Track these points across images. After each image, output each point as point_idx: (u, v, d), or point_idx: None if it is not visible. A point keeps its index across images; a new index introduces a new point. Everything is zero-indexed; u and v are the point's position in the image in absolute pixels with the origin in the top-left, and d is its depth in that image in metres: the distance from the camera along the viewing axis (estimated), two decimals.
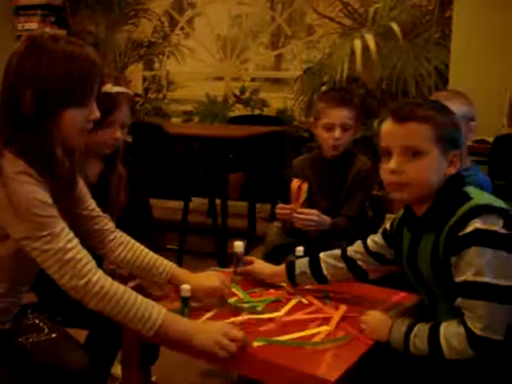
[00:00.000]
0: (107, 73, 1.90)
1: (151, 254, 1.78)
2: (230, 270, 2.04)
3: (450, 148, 1.48)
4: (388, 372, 1.54)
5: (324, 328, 1.61)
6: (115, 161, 2.10)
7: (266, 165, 4.89)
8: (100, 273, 1.46)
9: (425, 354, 1.43)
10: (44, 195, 1.43)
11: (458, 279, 1.41)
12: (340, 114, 2.43)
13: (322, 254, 1.86)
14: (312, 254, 1.90)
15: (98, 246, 1.77)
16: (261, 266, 1.98)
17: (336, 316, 1.68)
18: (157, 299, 1.64)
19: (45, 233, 1.40)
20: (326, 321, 1.66)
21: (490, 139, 3.58)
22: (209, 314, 1.69)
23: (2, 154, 1.41)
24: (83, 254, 1.46)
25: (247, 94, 5.53)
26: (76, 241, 1.47)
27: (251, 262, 2.00)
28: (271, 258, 2.39)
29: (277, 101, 5.43)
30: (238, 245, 2.02)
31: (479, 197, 1.45)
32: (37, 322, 1.64)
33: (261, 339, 1.53)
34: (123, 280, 1.88)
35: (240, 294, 1.86)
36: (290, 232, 2.46)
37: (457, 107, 2.17)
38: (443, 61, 4.66)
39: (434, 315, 1.58)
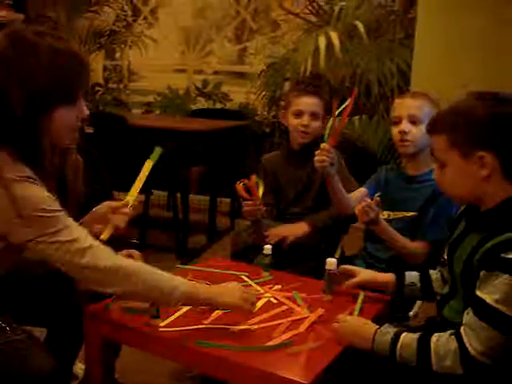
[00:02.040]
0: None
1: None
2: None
3: (470, 149, 1.42)
4: (366, 374, 1.53)
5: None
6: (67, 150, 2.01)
7: (227, 159, 4.86)
8: (117, 255, 1.49)
9: (412, 365, 1.41)
10: (46, 192, 1.43)
11: (479, 294, 1.36)
12: (309, 102, 2.50)
13: (431, 271, 1.81)
14: (423, 269, 1.85)
15: None
16: (369, 275, 1.87)
17: (310, 318, 1.67)
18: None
19: (60, 226, 1.40)
20: (298, 322, 1.65)
21: None
22: (179, 313, 1.67)
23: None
24: (97, 242, 1.47)
25: (210, 88, 5.48)
26: (86, 230, 1.48)
27: (352, 275, 1.87)
28: (240, 256, 2.37)
29: (239, 95, 5.39)
30: (331, 262, 1.86)
31: None
32: (1, 323, 1.57)
33: (201, 342, 1.51)
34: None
35: None
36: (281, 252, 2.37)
37: (426, 106, 2.21)
38: (406, 61, 4.70)
39: (444, 303, 1.58)
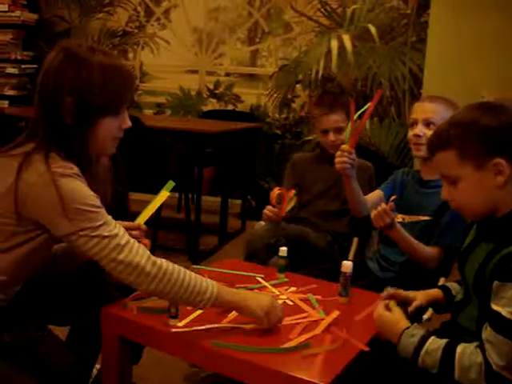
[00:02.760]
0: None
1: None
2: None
3: (483, 158, 1.40)
4: (379, 376, 1.53)
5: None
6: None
7: (238, 160, 4.87)
8: (150, 254, 1.53)
9: (432, 371, 1.39)
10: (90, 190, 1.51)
11: (495, 308, 1.34)
12: (332, 119, 2.61)
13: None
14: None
15: None
16: (424, 295, 1.75)
17: (326, 320, 1.68)
18: None
19: (102, 221, 1.47)
20: (315, 324, 1.66)
21: None
22: (195, 314, 1.68)
23: (49, 157, 1.46)
24: (133, 240, 1.53)
25: (221, 89, 5.49)
26: (123, 228, 1.54)
27: (405, 299, 1.73)
28: (253, 257, 2.38)
29: (251, 97, 5.41)
30: (347, 265, 1.87)
31: None
32: (22, 319, 1.59)
33: (217, 342, 1.52)
34: None
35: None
36: None
37: (443, 111, 2.21)
38: (418, 64, 4.71)
39: (459, 311, 1.56)
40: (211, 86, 5.51)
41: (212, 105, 5.50)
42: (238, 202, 5.04)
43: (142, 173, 3.84)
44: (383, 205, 2.06)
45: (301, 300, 1.84)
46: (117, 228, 1.50)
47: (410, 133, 2.26)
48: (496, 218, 1.45)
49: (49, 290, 1.80)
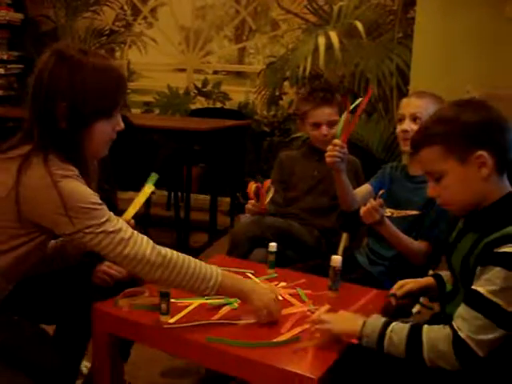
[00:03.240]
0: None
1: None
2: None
3: (466, 152, 1.44)
4: (369, 369, 1.54)
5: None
6: None
7: (227, 158, 4.88)
8: (154, 243, 1.55)
9: (400, 352, 1.40)
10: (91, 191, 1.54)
11: (473, 287, 1.37)
12: (324, 112, 2.60)
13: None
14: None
15: None
16: (415, 283, 1.82)
17: (316, 314, 1.68)
18: None
19: (105, 218, 1.50)
20: (304, 319, 1.67)
21: None
22: (188, 309, 1.69)
23: (47, 160, 1.47)
24: (135, 231, 1.55)
25: (209, 87, 5.49)
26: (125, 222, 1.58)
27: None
28: (236, 249, 2.40)
29: (239, 94, 5.41)
30: (337, 259, 1.89)
31: None
32: (14, 318, 1.59)
33: (211, 338, 1.53)
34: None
35: None
36: None
37: (431, 106, 2.23)
38: (405, 60, 4.73)
39: (448, 301, 1.58)
40: (199, 84, 5.51)
41: (200, 103, 5.51)
42: (227, 199, 5.05)
43: (130, 171, 3.83)
44: (372, 201, 2.08)
45: (290, 295, 1.85)
46: (120, 223, 1.53)
47: (398, 128, 2.28)
48: (480, 209, 1.48)
49: (36, 288, 1.81)
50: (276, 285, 1.94)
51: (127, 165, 3.78)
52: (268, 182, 2.45)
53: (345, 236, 2.64)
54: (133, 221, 1.80)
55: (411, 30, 4.67)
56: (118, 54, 5.72)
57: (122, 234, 1.50)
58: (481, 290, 1.35)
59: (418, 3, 4.59)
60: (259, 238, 2.36)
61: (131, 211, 1.84)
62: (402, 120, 2.27)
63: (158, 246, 1.55)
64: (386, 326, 1.44)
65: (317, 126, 2.62)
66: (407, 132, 2.22)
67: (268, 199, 2.44)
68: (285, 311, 1.73)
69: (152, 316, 1.64)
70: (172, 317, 1.64)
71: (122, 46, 5.70)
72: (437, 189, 1.51)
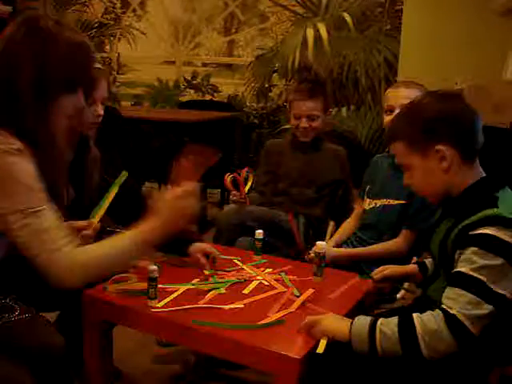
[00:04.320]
0: None
1: None
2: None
3: (426, 147, 1.49)
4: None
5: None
6: (88, 141, 2.04)
7: (217, 150, 4.89)
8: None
9: (393, 343, 1.38)
10: (35, 173, 1.42)
11: (456, 269, 1.41)
12: (307, 106, 2.64)
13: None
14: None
15: None
16: (396, 267, 1.87)
17: (301, 298, 1.73)
18: None
19: (38, 207, 1.39)
20: (290, 302, 1.71)
21: None
22: (175, 294, 1.72)
23: None
24: (68, 232, 1.45)
25: (199, 79, 5.52)
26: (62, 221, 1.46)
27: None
28: (221, 237, 2.45)
29: (228, 87, 5.44)
30: (322, 245, 1.91)
31: (506, 207, 1.42)
32: (8, 301, 1.60)
33: (197, 321, 1.56)
34: None
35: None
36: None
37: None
38: (393, 52, 4.76)
39: (429, 284, 1.63)
40: (188, 77, 5.53)
41: (190, 95, 5.53)
42: (217, 190, 5.08)
43: (122, 163, 3.85)
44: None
45: (275, 280, 1.89)
46: (55, 217, 1.42)
47: (387, 119, 2.31)
48: (454, 196, 1.53)
49: (33, 274, 1.82)
50: (262, 271, 1.98)
51: (121, 157, 3.80)
52: (244, 171, 2.50)
53: (332, 225, 2.69)
54: (98, 224, 1.78)
55: (399, 22, 4.70)
56: (107, 46, 5.73)
57: (50, 236, 1.39)
58: (462, 269, 1.39)
59: None
60: (243, 226, 2.41)
61: (101, 212, 1.81)
62: (391, 111, 2.29)
63: (79, 249, 1.45)
64: (374, 321, 1.43)
65: (298, 117, 2.66)
66: None
67: (247, 188, 2.49)
68: (267, 293, 1.78)
69: (140, 301, 1.67)
70: (160, 301, 1.67)
71: (112, 38, 5.71)
72: (409, 179, 1.58)
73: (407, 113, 1.57)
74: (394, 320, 1.41)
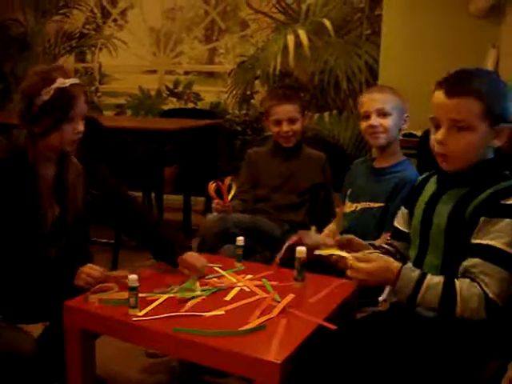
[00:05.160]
0: (53, 65, 1.91)
1: None
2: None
3: (498, 121, 1.50)
4: (334, 354, 1.58)
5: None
6: (68, 156, 2.02)
7: (200, 158, 4.91)
8: None
9: (432, 306, 1.45)
10: None
11: (484, 242, 1.44)
12: (285, 110, 2.68)
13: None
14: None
15: None
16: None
17: (281, 304, 1.74)
18: None
19: None
20: (271, 308, 1.72)
21: (418, 133, 3.70)
22: (156, 303, 1.73)
23: None
24: None
25: (181, 88, 5.52)
26: None
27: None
28: (205, 245, 2.46)
29: (210, 94, 5.44)
30: (302, 251, 1.92)
31: None
32: None
33: (178, 329, 1.57)
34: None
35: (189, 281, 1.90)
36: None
37: (392, 99, 2.30)
38: (373, 57, 4.80)
39: (418, 265, 1.63)
40: (170, 85, 5.54)
41: (172, 104, 5.52)
42: (202, 199, 5.07)
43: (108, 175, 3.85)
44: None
45: (256, 286, 1.90)
46: None
47: (364, 124, 2.33)
48: (466, 168, 1.55)
49: (16, 287, 1.82)
50: (243, 277, 1.99)
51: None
52: (228, 179, 2.52)
53: (313, 229, 2.70)
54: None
55: (378, 27, 4.73)
56: (88, 57, 5.72)
57: None
58: (496, 244, 1.43)
59: (384, 1, 4.66)
60: (227, 234, 2.42)
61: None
62: (368, 117, 2.31)
63: None
64: (420, 279, 1.46)
65: (278, 123, 2.68)
66: (376, 127, 2.28)
67: (231, 196, 2.51)
68: (248, 300, 1.79)
69: (121, 310, 1.68)
70: (141, 310, 1.68)
71: (93, 48, 5.69)
72: (449, 136, 1.53)
73: (490, 81, 1.54)
74: (439, 288, 1.44)
